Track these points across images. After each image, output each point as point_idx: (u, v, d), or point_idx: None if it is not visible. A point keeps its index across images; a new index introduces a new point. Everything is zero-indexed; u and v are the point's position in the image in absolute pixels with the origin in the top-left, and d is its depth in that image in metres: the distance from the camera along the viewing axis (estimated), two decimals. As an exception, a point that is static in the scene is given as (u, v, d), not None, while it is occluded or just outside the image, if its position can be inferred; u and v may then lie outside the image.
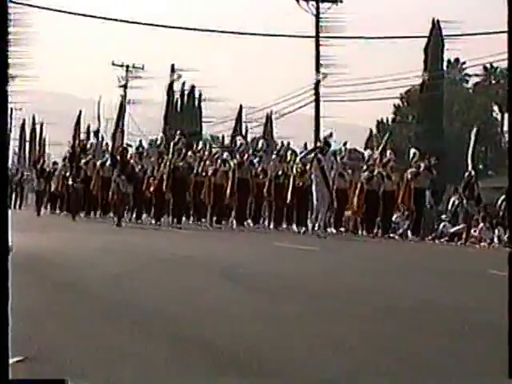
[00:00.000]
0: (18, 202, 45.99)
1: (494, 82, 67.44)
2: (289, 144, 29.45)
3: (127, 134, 38.50)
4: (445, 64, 55.35)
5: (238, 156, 26.90)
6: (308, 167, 24.90)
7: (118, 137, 26.26)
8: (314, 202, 23.06)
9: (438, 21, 50.22)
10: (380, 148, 26.27)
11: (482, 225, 25.34)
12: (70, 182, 30.47)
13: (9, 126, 73.66)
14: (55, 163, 35.43)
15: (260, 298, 9.03)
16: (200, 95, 62.61)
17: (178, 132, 28.19)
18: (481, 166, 60.49)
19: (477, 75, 66.75)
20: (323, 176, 22.86)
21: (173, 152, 26.23)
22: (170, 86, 62.08)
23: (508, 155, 2.93)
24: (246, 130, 60.08)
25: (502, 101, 67.41)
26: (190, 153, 27.26)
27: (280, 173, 26.64)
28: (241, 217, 26.82)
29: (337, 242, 21.64)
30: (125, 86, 59.74)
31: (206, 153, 28.13)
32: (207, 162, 27.37)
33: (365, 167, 25.40)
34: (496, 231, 25.31)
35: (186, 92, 63.44)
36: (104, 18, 46.45)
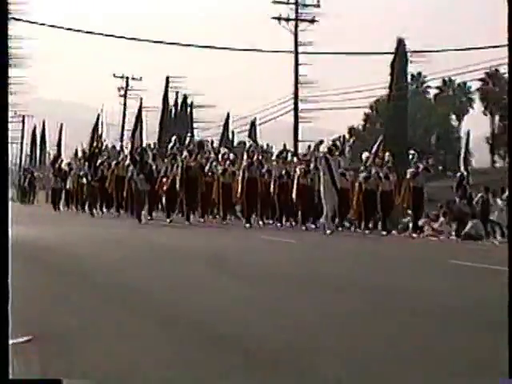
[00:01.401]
0: (31, 198, 45.92)
1: (451, 93, 67.68)
2: (285, 147, 29.00)
3: (127, 138, 38.37)
4: (409, 77, 55.54)
5: (247, 156, 25.76)
6: (312, 167, 24.54)
7: (136, 139, 25.62)
8: (323, 200, 22.34)
9: (402, 39, 50.39)
10: (374, 150, 25.51)
11: (442, 219, 25.31)
12: (85, 181, 30.08)
13: (21, 131, 73.67)
14: (70, 163, 35.12)
15: (231, 277, 9.69)
16: (191, 104, 62.50)
17: (174, 137, 27.74)
18: (440, 168, 60.78)
19: (437, 87, 66.95)
20: (331, 176, 22.28)
21: (185, 153, 25.45)
22: (165, 95, 62.02)
23: (508, 156, 2.86)
24: (233, 135, 60.19)
25: (459, 110, 67.66)
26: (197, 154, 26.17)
27: (283, 172, 25.77)
28: (248, 214, 25.43)
29: (323, 237, 20.97)
30: (125, 96, 59.95)
31: (212, 155, 27.35)
32: (214, 163, 26.54)
33: (362, 168, 24.70)
34: (454, 225, 25.27)
35: (180, 101, 63.36)
36: (104, 35, 46.15)
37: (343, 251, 16.80)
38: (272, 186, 25.76)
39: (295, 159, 26.72)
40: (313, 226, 24.73)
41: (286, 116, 45.35)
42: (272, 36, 46.69)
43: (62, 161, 36.88)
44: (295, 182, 25.17)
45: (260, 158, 25.81)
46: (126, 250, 13.94)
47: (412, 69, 54.57)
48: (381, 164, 24.50)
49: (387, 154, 24.99)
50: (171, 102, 63.00)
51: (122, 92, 60.30)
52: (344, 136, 24.05)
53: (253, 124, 57.44)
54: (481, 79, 62.33)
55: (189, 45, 47.35)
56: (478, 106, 66.95)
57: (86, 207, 30.47)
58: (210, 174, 25.94)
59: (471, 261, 13.91)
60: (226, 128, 59.24)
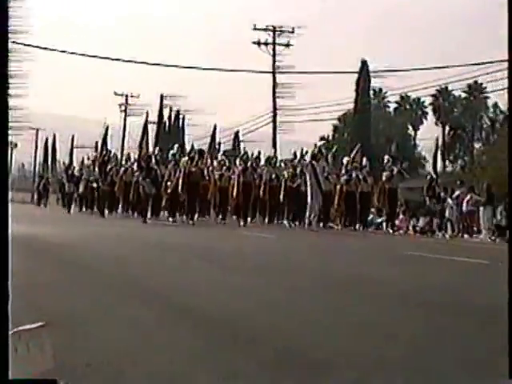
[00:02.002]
0: (46, 201, 45.68)
1: (408, 107, 67.91)
2: (275, 154, 28.56)
3: (127, 148, 38.27)
4: (371, 93, 55.70)
5: (241, 162, 25.27)
6: (298, 171, 24.14)
7: (143, 147, 25.17)
8: (309, 201, 22.01)
9: (365, 60, 50.59)
10: (352, 155, 25.15)
11: (402, 217, 25.36)
12: (95, 185, 29.79)
13: (34, 143, 73.46)
14: (81, 169, 34.81)
15: (210, 265, 9.69)
16: (183, 118, 62.48)
17: (176, 145, 27.37)
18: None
19: (396, 102, 67.18)
20: (316, 179, 22.04)
21: (187, 159, 24.92)
22: (160, 111, 62.07)
23: (508, 156, 2.80)
24: (219, 145, 60.09)
25: (415, 122, 67.80)
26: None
27: (273, 176, 25.41)
28: (244, 214, 24.78)
29: (303, 233, 20.77)
30: (125, 111, 60.14)
31: (208, 161, 26.64)
32: (209, 168, 25.98)
33: (343, 171, 24.29)
34: (412, 222, 25.32)
35: (173, 115, 63.35)
36: (104, 58, 46.01)
37: (313, 244, 16.74)
38: (262, 189, 25.41)
39: (283, 164, 26.31)
40: (293, 224, 24.29)
41: (266, 128, 45.44)
42: (253, 58, 46.71)
43: (74, 168, 36.67)
44: (283, 185, 24.91)
45: (254, 163, 25.41)
46: (131, 244, 13.89)
47: (374, 86, 54.88)
48: (360, 168, 24.27)
49: (364, 159, 24.81)
50: (165, 116, 63.04)
51: (123, 108, 60.67)
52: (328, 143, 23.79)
53: (236, 135, 57.56)
54: (433, 95, 62.63)
55: (188, 67, 47.31)
56: (430, 118, 67.22)
57: (96, 209, 30.09)
58: (207, 178, 25.49)
59: (423, 252, 13.94)
60: (213, 139, 59.18)
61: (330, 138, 63.37)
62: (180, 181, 24.47)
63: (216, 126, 61.10)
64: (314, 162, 22.23)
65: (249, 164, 25.06)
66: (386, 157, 24.87)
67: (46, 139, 69.42)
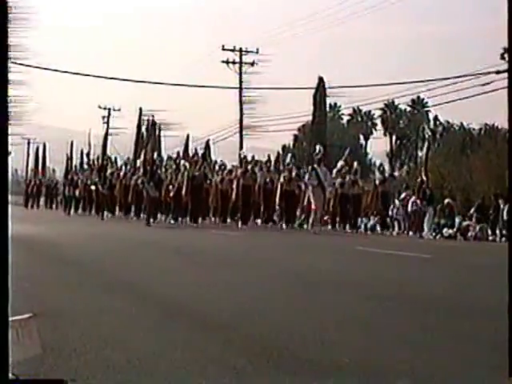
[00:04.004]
0: (36, 203, 44.99)
1: (360, 119, 68.37)
2: (269, 158, 26.31)
3: (111, 154, 37.73)
4: (327, 107, 55.93)
5: (241, 166, 24.04)
6: (294, 175, 22.98)
7: (149, 151, 24.25)
8: (313, 204, 20.82)
9: (322, 77, 50.76)
10: (343, 159, 23.95)
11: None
12: (93, 188, 28.86)
13: (26, 153, 72.74)
14: (77, 173, 33.80)
15: (182, 259, 9.91)
16: (160, 128, 62.25)
17: (177, 150, 26.65)
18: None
19: (349, 115, 67.58)
20: (320, 182, 20.99)
21: (190, 163, 23.86)
22: (139, 122, 61.86)
23: (508, 156, 2.74)
24: (193, 152, 59.90)
25: (366, 132, 68.19)
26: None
27: (268, 180, 23.82)
28: (245, 216, 23.42)
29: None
30: (107, 123, 60.15)
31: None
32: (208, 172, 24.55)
33: (335, 174, 23.03)
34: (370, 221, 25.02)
35: (150, 126, 63.14)
36: (85, 75, 45.70)
37: (286, 243, 16.60)
38: (257, 192, 23.81)
39: (281, 167, 24.60)
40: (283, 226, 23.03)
41: (234, 137, 45.51)
42: (222, 75, 46.74)
43: (75, 172, 35.53)
44: (279, 187, 23.37)
45: (254, 167, 23.96)
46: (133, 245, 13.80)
47: (330, 100, 55.14)
48: (354, 172, 23.41)
49: (355, 163, 24.12)
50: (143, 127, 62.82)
51: (105, 120, 60.88)
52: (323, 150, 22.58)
53: (207, 144, 57.37)
54: (381, 109, 63.12)
55: (157, 82, 47.14)
56: (379, 129, 67.70)
57: (94, 211, 29.08)
58: (208, 182, 24.21)
59: (370, 247, 14.03)
60: (187, 147, 59.01)
61: (291, 146, 63.60)
62: (184, 184, 23.28)
63: (189, 136, 60.90)
64: (316, 166, 21.29)
65: (249, 167, 23.78)
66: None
67: (37, 148, 68.87)
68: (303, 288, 6.73)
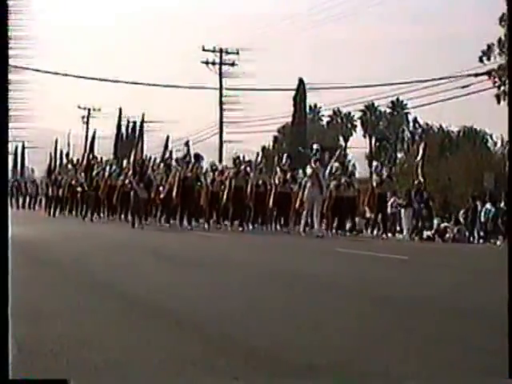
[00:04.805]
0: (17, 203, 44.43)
1: (339, 121, 68.62)
2: (262, 159, 25.30)
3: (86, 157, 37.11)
4: (307, 108, 56.09)
5: (233, 166, 23.13)
6: (288, 176, 22.22)
7: (138, 152, 23.38)
8: (306, 206, 19.97)
9: (302, 78, 50.92)
10: (334, 158, 22.73)
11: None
12: (79, 189, 27.92)
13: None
14: (60, 173, 33.00)
15: (160, 259, 10.04)
16: (139, 129, 62.13)
17: (168, 150, 25.80)
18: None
19: (329, 116, 67.82)
20: (318, 183, 20.13)
21: (182, 164, 22.80)
22: (119, 123, 61.76)
23: (508, 156, 2.73)
24: (171, 153, 59.78)
25: (345, 133, 68.43)
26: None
27: (260, 182, 22.70)
28: (237, 218, 22.47)
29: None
30: (87, 123, 59.95)
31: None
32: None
33: (331, 176, 21.80)
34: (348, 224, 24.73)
35: (130, 127, 63.01)
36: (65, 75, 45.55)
37: (271, 245, 16.41)
38: (249, 194, 22.59)
39: (278, 169, 23.19)
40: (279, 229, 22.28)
41: (214, 138, 45.50)
42: (202, 76, 46.71)
43: (58, 172, 34.45)
44: (273, 189, 22.42)
45: (247, 167, 22.95)
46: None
47: (310, 101, 55.30)
48: (350, 174, 22.70)
49: (351, 164, 23.13)
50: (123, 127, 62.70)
51: (85, 120, 60.66)
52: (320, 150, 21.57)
53: (187, 145, 57.32)
54: (361, 110, 63.41)
55: (135, 83, 47.03)
56: (359, 130, 68.01)
57: (79, 213, 27.97)
58: (199, 183, 22.97)
59: (348, 248, 14.11)
60: (166, 147, 58.95)
61: (271, 147, 63.65)
62: (175, 185, 22.29)
63: (169, 137, 60.80)
64: (313, 165, 20.40)
65: (241, 168, 22.75)
66: (375, 163, 23.41)
67: (16, 147, 68.54)
68: (275, 289, 6.77)
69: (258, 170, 23.23)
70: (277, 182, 22.42)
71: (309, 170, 20.59)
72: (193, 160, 22.59)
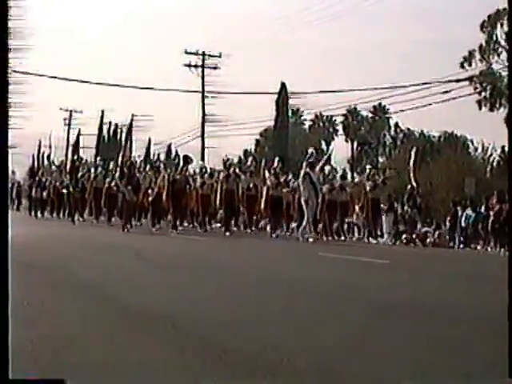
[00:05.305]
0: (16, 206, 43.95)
1: (321, 125, 68.77)
2: (255, 160, 25.20)
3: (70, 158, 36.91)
4: (289, 112, 56.20)
5: (224, 169, 22.57)
6: (282, 180, 21.82)
7: (127, 152, 22.88)
8: (304, 210, 19.17)
9: (284, 83, 51.05)
10: (321, 163, 21.30)
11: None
12: (65, 191, 27.32)
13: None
14: (42, 174, 32.50)
15: (139, 261, 10.09)
16: (121, 131, 61.98)
17: (157, 152, 25.35)
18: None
19: (311, 120, 68.00)
20: (314, 187, 19.33)
21: (171, 166, 22.37)
22: (101, 125, 61.54)
23: (508, 156, 2.73)
24: (159, 155, 59.70)
25: (327, 138, 68.60)
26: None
27: (251, 185, 22.36)
28: (228, 222, 21.96)
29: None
30: (69, 125, 59.86)
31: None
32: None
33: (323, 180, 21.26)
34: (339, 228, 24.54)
35: (112, 129, 62.86)
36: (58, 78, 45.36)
37: (247, 249, 16.42)
38: (240, 197, 22.21)
39: (266, 172, 22.72)
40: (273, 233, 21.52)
41: (196, 141, 45.49)
42: (184, 79, 46.64)
43: (42, 173, 33.90)
44: (264, 193, 21.98)
45: (237, 170, 22.44)
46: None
47: (292, 105, 55.40)
48: (343, 177, 22.44)
49: (343, 167, 23.02)
50: (105, 129, 62.56)
51: (67, 122, 60.57)
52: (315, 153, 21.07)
53: (169, 147, 57.25)
54: (343, 115, 63.64)
55: (116, 85, 46.92)
56: (341, 134, 68.25)
57: (65, 215, 27.62)
58: (188, 186, 22.18)
59: (330, 252, 14.13)
60: (148, 150, 58.81)
61: (253, 151, 63.76)
62: (164, 188, 21.67)
63: (151, 140, 60.76)
64: (310, 171, 19.63)
65: (231, 171, 22.16)
66: (368, 167, 23.01)
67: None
68: (254, 293, 6.79)
69: (249, 172, 22.81)
70: (269, 184, 21.95)
71: (303, 174, 19.81)
72: (182, 162, 22.02)
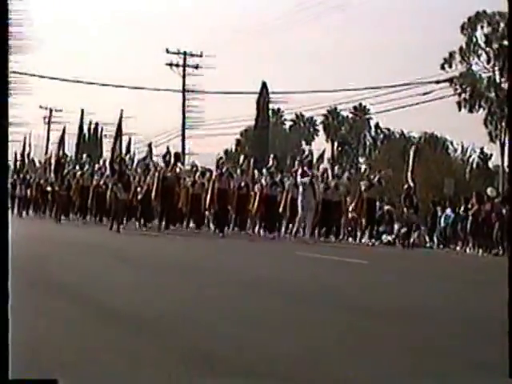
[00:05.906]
0: None
1: (302, 125, 68.95)
2: (253, 160, 23.87)
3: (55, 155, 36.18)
4: (270, 112, 56.29)
5: (216, 168, 21.69)
6: (278, 179, 21.27)
7: (117, 149, 22.28)
8: (300, 211, 18.80)
9: (265, 82, 51.13)
10: (316, 161, 21.63)
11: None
12: (49, 189, 26.70)
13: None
14: (27, 171, 31.28)
15: (123, 262, 9.98)
16: (102, 130, 61.83)
17: (147, 149, 24.60)
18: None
19: (291, 120, 68.11)
20: (312, 188, 18.95)
21: (161, 164, 21.52)
22: (81, 124, 61.36)
23: (508, 156, 2.67)
24: (134, 155, 59.54)
25: (308, 138, 68.81)
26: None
27: (243, 184, 21.64)
28: (220, 223, 21.14)
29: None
30: (48, 123, 59.38)
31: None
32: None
33: (320, 179, 20.73)
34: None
35: (92, 127, 62.69)
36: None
37: (240, 250, 15.82)
38: (232, 196, 21.46)
39: (264, 171, 22.35)
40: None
41: (176, 140, 45.30)
42: (165, 78, 46.58)
43: (26, 171, 33.09)
44: (258, 192, 21.53)
45: (229, 169, 21.76)
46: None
47: (272, 105, 55.49)
48: (338, 176, 22.00)
49: (337, 167, 22.48)
50: (85, 128, 62.37)
51: (47, 120, 60.09)
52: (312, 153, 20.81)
53: (149, 146, 57.10)
54: (323, 115, 63.80)
55: (94, 83, 46.72)
56: (321, 134, 68.43)
57: (50, 213, 26.71)
58: (178, 185, 21.47)
59: (308, 252, 14.13)
60: (129, 149, 58.64)
61: (233, 150, 63.77)
62: (154, 186, 20.91)
63: (131, 139, 60.63)
64: (306, 169, 19.18)
65: (224, 169, 21.36)
66: (364, 166, 22.77)
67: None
68: (230, 292, 6.82)
69: (241, 172, 22.22)
70: (264, 183, 21.57)
71: (300, 174, 19.30)
72: (173, 159, 21.15)
